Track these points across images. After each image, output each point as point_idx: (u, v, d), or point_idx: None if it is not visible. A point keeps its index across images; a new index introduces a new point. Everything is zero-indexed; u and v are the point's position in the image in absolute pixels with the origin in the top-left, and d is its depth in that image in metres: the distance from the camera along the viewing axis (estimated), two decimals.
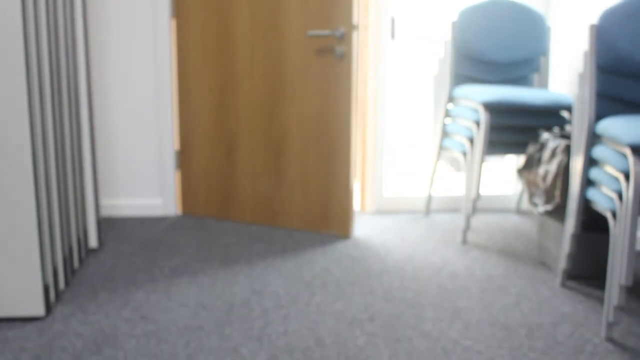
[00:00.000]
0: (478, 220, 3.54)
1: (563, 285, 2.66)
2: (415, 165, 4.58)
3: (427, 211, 3.62)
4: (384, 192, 3.66)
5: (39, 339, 2.14)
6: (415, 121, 5.17)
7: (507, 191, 3.80)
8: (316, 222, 3.36)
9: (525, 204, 3.75)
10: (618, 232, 2.12)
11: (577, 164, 2.41)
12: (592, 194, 2.36)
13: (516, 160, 3.70)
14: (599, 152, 2.30)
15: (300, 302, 2.48)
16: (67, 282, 2.56)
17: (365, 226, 3.40)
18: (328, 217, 3.33)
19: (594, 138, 2.34)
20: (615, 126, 2.17)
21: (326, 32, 3.12)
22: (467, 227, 3.13)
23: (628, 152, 2.07)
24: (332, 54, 3.17)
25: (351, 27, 3.10)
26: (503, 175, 3.99)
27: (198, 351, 2.09)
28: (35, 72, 2.21)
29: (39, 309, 2.27)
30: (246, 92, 3.35)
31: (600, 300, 2.54)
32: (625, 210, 2.08)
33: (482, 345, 2.16)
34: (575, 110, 2.44)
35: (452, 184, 4.11)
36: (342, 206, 3.28)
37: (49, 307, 2.32)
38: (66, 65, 2.60)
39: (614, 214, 2.20)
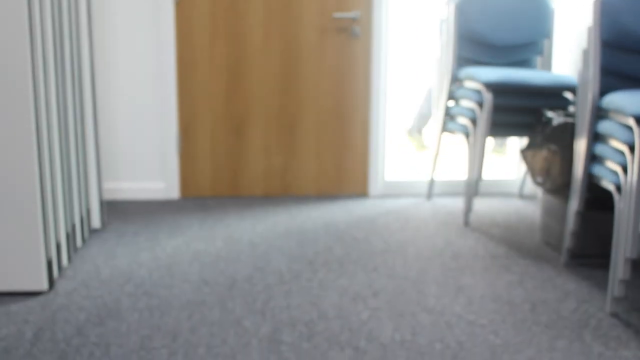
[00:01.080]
0: (480, 204, 3.53)
1: (567, 264, 2.65)
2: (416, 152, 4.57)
3: (430, 195, 3.61)
4: (386, 177, 3.66)
5: (42, 312, 2.14)
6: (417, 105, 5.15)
7: (510, 176, 3.80)
8: (331, 187, 3.59)
9: (528, 189, 3.74)
10: (623, 206, 2.12)
11: (581, 140, 2.40)
12: (596, 169, 2.35)
13: (519, 143, 3.69)
14: (603, 126, 2.29)
15: (303, 278, 2.47)
16: (70, 260, 2.56)
17: (368, 209, 3.40)
18: (343, 181, 3.60)
19: (598, 113, 2.34)
20: (620, 99, 2.16)
21: (350, 14, 3.40)
22: (469, 209, 3.12)
23: (633, 123, 2.06)
24: (349, 33, 3.43)
25: (369, 8, 3.41)
26: (505, 160, 3.98)
27: (200, 324, 2.08)
28: (39, 54, 2.20)
29: (42, 284, 2.27)
30: (259, 70, 3.45)
31: (605, 278, 2.53)
32: (630, 182, 2.08)
33: (485, 320, 2.16)
34: (580, 86, 2.43)
35: (454, 168, 4.10)
36: (359, 167, 3.59)
37: (51, 282, 2.31)
38: (70, 47, 2.59)
39: (618, 188, 2.20)
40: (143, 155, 3.47)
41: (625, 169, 2.15)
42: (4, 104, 2.13)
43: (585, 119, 2.37)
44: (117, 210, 3.30)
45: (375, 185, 3.63)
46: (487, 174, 3.82)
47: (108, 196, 3.51)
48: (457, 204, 3.54)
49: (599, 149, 2.32)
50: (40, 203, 2.22)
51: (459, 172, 3.95)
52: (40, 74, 2.21)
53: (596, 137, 2.37)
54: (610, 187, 2.24)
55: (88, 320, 2.10)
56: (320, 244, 2.85)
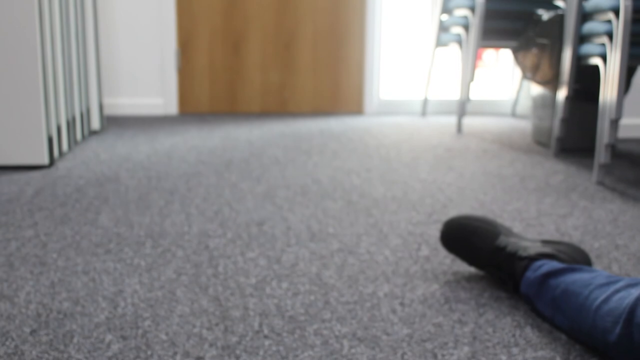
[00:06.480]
0: (473, 120, 3.59)
1: (557, 154, 2.71)
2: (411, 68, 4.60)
3: (424, 113, 3.66)
4: (381, 95, 3.71)
5: (43, 179, 2.20)
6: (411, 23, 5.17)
7: (503, 96, 3.85)
8: (327, 105, 3.64)
9: (521, 109, 3.79)
10: (609, 71, 2.17)
11: (570, 20, 2.46)
12: (584, 48, 2.40)
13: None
14: (590, 4, 2.34)
15: (298, 161, 2.53)
16: (70, 148, 2.61)
17: (363, 122, 3.45)
18: (339, 98, 3.64)
19: None
20: None
21: None
22: (462, 113, 3.17)
23: None
24: None
25: None
26: (498, 80, 4.03)
27: (197, 186, 2.14)
28: None
29: (42, 158, 2.32)
30: None
31: (593, 164, 2.59)
32: (615, 45, 2.13)
33: (475, 186, 2.22)
34: None
35: (447, 89, 4.14)
36: (355, 85, 3.62)
37: (52, 159, 2.37)
38: None
39: (604, 60, 2.25)
40: (142, 71, 3.52)
41: (610, 37, 2.20)
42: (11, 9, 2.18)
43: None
44: (116, 122, 3.36)
45: (370, 104, 3.68)
46: (480, 94, 3.87)
47: (107, 111, 3.56)
48: (451, 120, 3.59)
49: (587, 27, 2.38)
50: (42, 85, 2.26)
51: (453, 93, 3.99)
52: None
53: (584, 18, 2.42)
54: (598, 61, 2.29)
55: (88, 183, 2.15)
56: (316, 141, 2.91)
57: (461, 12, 3.19)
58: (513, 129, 3.35)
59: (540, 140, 2.92)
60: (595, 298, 1.08)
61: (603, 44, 2.27)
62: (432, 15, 3.56)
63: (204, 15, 3.49)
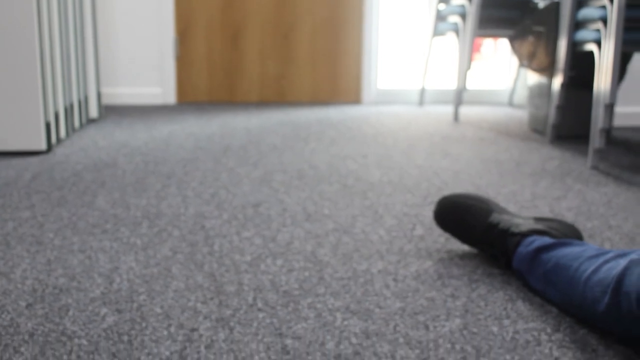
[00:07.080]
0: (471, 110, 3.60)
1: (552, 141, 2.72)
2: (409, 58, 4.61)
3: (421, 102, 3.67)
4: (379, 85, 3.72)
5: (41, 164, 2.21)
6: (410, 13, 5.16)
7: (500, 86, 3.85)
8: (325, 95, 3.62)
9: (518, 98, 3.80)
10: (603, 57, 2.18)
11: (566, 6, 2.47)
12: (580, 34, 2.41)
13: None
14: None
15: (296, 147, 2.54)
16: (67, 135, 2.62)
17: (361, 111, 3.46)
18: (337, 88, 3.62)
19: None
20: None
21: None
22: (460, 102, 3.18)
23: None
24: None
25: None
26: (496, 70, 4.04)
27: (194, 170, 2.15)
28: None
29: (40, 144, 2.33)
30: None
31: (588, 150, 2.60)
32: (610, 30, 2.14)
33: (472, 171, 2.23)
34: None
35: (444, 78, 4.15)
36: (353, 75, 3.61)
37: (50, 145, 2.38)
38: None
39: (599, 46, 2.26)
40: (140, 60, 3.53)
41: (605, 23, 2.21)
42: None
43: None
44: (114, 110, 3.37)
45: (368, 93, 3.69)
46: (478, 84, 3.87)
47: (106, 100, 3.57)
48: (448, 109, 3.60)
49: (582, 13, 2.39)
50: (40, 71, 2.27)
51: (450, 82, 4.00)
52: None
53: (579, 4, 2.43)
54: (593, 47, 2.30)
55: (85, 168, 2.16)
56: (313, 129, 2.92)
57: (458, 1, 3.19)
58: (510, 118, 3.36)
59: (536, 128, 2.93)
60: (585, 269, 1.09)
61: (598, 30, 2.27)
62: (429, 4, 3.57)
63: (203, 5, 3.50)
